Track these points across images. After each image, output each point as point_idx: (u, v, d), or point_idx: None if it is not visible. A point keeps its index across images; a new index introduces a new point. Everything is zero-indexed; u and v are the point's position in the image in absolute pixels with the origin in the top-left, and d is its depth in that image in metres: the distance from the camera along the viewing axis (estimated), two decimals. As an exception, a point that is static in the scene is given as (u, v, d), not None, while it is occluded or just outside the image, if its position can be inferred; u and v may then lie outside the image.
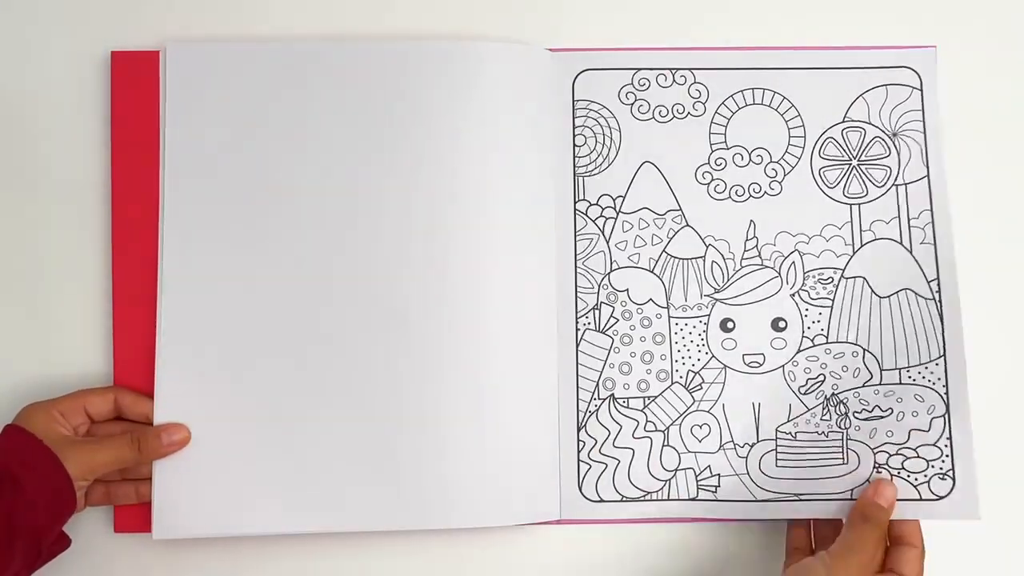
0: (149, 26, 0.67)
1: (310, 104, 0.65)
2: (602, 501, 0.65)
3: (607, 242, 0.66)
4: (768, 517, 0.64)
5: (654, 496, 0.65)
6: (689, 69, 0.67)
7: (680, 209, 0.66)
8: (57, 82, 0.67)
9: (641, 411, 0.65)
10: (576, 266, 0.66)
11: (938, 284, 0.66)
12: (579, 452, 0.65)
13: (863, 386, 0.65)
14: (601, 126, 0.67)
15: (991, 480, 0.64)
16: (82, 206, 0.66)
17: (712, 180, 0.67)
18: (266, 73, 0.65)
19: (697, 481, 0.65)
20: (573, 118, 0.67)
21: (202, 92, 0.65)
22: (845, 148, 0.67)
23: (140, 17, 0.67)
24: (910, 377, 0.65)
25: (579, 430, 0.65)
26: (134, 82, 0.66)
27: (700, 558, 0.66)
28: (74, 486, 0.58)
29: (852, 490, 0.64)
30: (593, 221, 0.66)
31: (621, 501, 0.65)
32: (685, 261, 0.66)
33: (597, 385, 0.65)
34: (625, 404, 0.65)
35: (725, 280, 0.66)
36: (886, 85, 0.67)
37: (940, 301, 0.66)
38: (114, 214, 0.65)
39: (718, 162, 0.67)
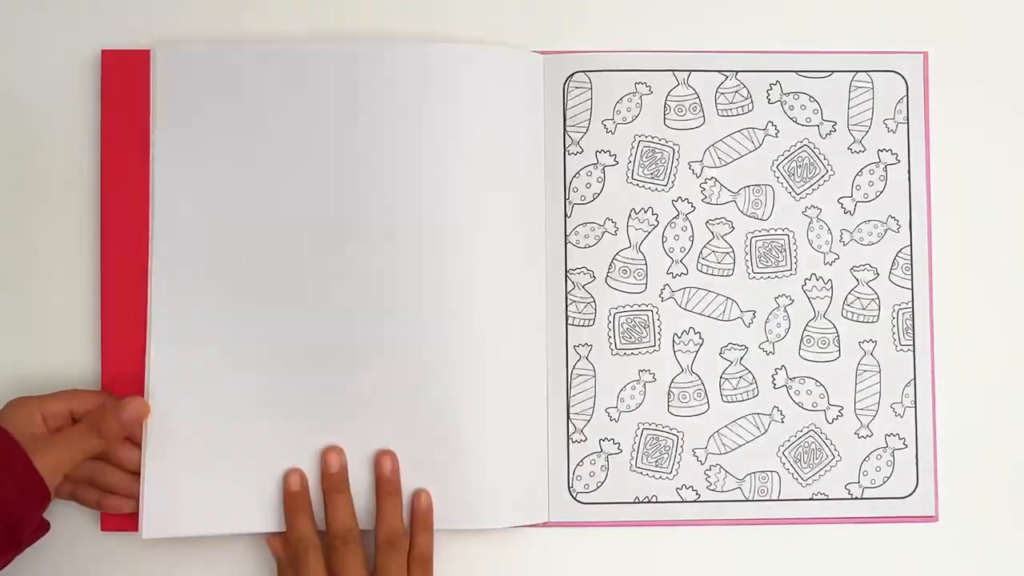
0: (140, 25, 0.67)
1: (299, 106, 0.65)
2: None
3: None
4: (756, 518, 0.65)
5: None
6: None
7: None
8: (47, 80, 0.67)
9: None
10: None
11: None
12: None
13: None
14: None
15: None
16: (72, 204, 0.66)
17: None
18: (255, 76, 0.65)
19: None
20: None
21: (192, 96, 0.65)
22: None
23: (131, 15, 0.67)
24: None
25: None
26: (124, 81, 0.66)
27: (687, 561, 0.66)
28: (46, 484, 0.57)
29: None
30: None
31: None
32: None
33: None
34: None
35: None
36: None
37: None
38: (103, 212, 0.65)
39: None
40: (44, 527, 0.61)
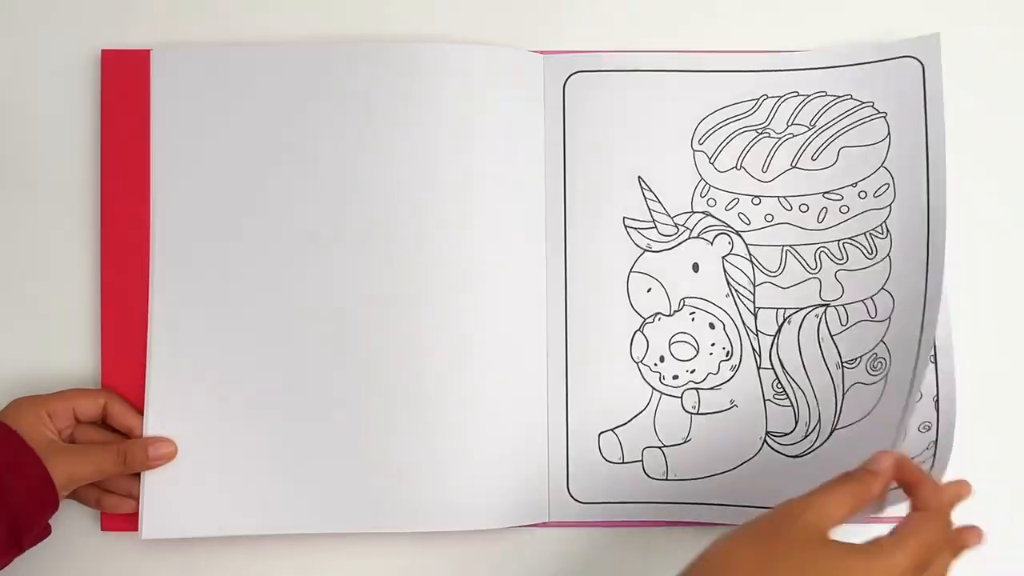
0: (140, 24, 0.67)
1: (297, 107, 0.65)
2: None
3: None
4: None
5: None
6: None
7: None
8: (47, 80, 0.67)
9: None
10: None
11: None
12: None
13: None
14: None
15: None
16: (72, 204, 0.66)
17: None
18: (255, 76, 0.65)
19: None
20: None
21: (192, 96, 0.65)
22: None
23: (131, 16, 0.67)
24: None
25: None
26: (124, 81, 0.66)
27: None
28: (57, 493, 0.58)
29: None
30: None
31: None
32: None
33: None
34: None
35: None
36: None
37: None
38: (103, 212, 0.65)
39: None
40: (46, 531, 0.61)
